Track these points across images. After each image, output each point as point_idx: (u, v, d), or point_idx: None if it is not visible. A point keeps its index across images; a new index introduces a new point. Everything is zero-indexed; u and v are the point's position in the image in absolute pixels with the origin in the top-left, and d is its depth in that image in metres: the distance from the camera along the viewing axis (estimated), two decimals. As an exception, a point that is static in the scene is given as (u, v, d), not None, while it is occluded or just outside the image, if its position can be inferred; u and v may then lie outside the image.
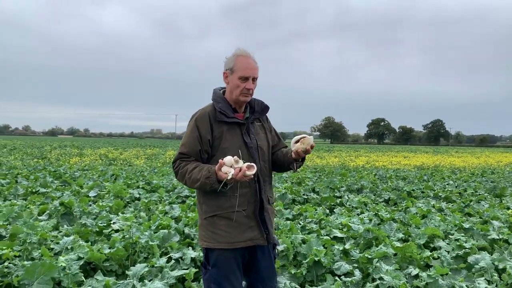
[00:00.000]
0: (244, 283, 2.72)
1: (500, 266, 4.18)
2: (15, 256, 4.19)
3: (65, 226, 5.61)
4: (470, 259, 4.38)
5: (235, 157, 2.31)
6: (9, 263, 3.96)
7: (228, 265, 2.49)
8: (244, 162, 2.32)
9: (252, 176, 2.33)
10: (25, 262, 3.80)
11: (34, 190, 8.86)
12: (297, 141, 2.47)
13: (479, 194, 10.09)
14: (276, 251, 2.79)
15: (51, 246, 4.55)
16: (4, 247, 4.22)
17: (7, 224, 5.43)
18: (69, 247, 4.46)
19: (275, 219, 3.03)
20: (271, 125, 2.81)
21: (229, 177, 2.25)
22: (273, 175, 2.80)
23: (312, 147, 2.46)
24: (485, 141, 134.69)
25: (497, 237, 5.31)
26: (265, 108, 2.71)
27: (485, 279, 3.98)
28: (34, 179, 10.87)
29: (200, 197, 2.55)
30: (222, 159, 2.29)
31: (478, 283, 3.84)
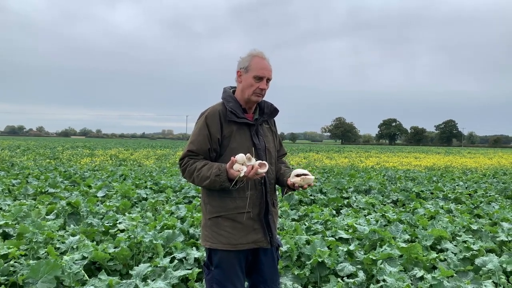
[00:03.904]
0: (246, 283, 2.71)
1: (509, 269, 4.10)
2: (21, 255, 4.24)
3: (71, 225, 5.66)
4: (478, 261, 4.30)
5: (248, 154, 2.28)
6: (15, 262, 4.01)
7: (231, 266, 2.48)
8: (256, 160, 2.31)
9: (264, 174, 2.32)
10: (31, 261, 3.85)
11: (43, 190, 8.97)
12: (298, 175, 2.44)
13: (490, 195, 9.94)
14: (279, 252, 2.78)
15: (57, 246, 4.60)
16: (11, 246, 4.28)
17: (15, 224, 5.50)
18: (74, 246, 4.51)
19: (279, 220, 3.02)
20: (277, 129, 2.81)
21: (241, 175, 2.23)
22: None
23: (309, 185, 2.44)
24: (499, 142, 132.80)
25: (506, 239, 5.22)
26: (275, 110, 2.69)
27: (492, 281, 3.92)
28: (44, 179, 11.01)
29: (205, 197, 2.54)
30: (234, 157, 2.28)
31: (485, 286, 3.77)
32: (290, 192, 2.64)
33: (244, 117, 2.50)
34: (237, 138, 2.49)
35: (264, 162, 2.32)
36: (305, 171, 2.44)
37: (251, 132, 2.53)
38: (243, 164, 2.26)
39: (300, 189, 2.47)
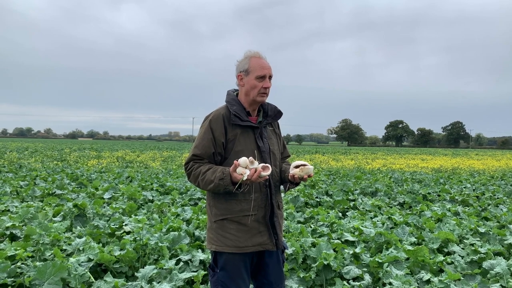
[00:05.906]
0: (251, 286, 2.71)
1: (516, 272, 4.06)
2: (28, 256, 4.27)
3: (78, 227, 5.69)
4: (485, 264, 4.26)
5: (250, 157, 2.29)
6: (22, 263, 4.04)
7: (236, 268, 2.48)
8: (259, 163, 2.31)
9: (267, 177, 2.31)
10: (37, 263, 3.87)
11: (50, 191, 9.03)
12: (297, 166, 2.44)
13: (498, 198, 9.84)
14: (285, 254, 2.77)
15: (64, 247, 4.63)
16: (18, 248, 4.31)
17: (22, 225, 5.55)
18: (80, 248, 4.53)
19: (285, 222, 3.02)
20: (280, 131, 2.81)
21: (244, 178, 2.24)
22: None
23: (309, 176, 2.43)
24: (507, 144, 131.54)
25: (514, 242, 5.17)
26: (278, 113, 2.69)
27: (500, 285, 3.87)
28: (51, 181, 11.09)
29: (211, 200, 2.55)
30: (237, 160, 2.29)
31: (493, 289, 3.74)
32: (292, 187, 2.60)
33: (248, 120, 2.51)
34: (242, 141, 2.49)
35: (267, 165, 2.32)
36: (304, 162, 2.44)
37: (255, 135, 2.53)
38: (246, 167, 2.26)
39: (301, 181, 2.46)
